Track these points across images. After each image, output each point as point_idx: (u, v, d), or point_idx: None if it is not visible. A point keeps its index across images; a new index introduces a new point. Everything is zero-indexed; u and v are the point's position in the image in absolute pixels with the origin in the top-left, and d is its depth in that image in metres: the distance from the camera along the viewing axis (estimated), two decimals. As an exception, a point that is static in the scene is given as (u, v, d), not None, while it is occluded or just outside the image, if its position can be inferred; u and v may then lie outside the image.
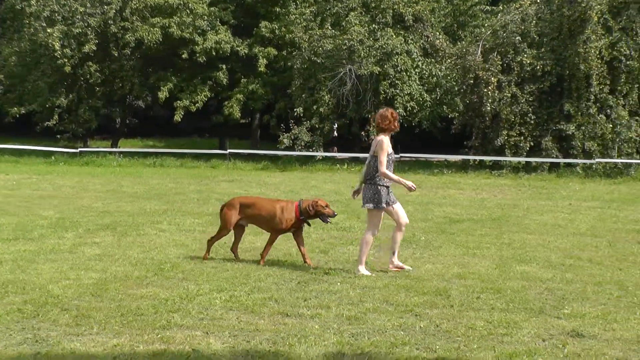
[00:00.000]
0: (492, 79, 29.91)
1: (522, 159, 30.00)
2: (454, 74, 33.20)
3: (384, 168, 10.24)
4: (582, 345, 7.14)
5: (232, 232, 11.44)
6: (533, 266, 11.07)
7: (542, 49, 30.46)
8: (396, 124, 10.62)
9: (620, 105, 29.79)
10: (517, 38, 30.43)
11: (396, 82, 33.66)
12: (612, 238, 14.11)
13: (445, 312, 8.30)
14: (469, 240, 13.50)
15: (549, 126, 30.00)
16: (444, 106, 34.85)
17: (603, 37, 29.56)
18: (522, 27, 30.84)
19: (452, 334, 7.48)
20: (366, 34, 33.86)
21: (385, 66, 33.58)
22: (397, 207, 10.61)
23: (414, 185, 10.45)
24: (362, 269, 10.42)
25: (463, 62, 31.38)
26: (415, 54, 34.50)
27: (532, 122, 29.99)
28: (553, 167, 29.98)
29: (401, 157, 32.72)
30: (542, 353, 6.88)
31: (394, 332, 7.51)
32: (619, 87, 29.88)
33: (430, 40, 34.86)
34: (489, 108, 29.87)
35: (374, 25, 34.45)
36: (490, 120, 30.57)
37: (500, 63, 30.35)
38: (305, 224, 11.26)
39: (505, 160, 29.98)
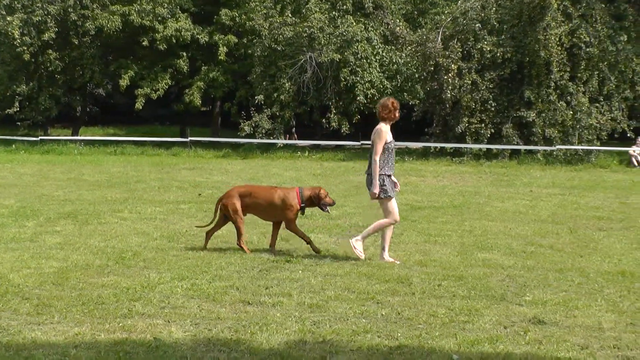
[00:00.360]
0: (453, 66, 29.94)
1: (483, 146, 30.09)
2: (415, 61, 33.19)
3: (377, 157, 10.30)
4: (544, 332, 7.13)
5: (216, 219, 11.32)
6: (494, 253, 11.08)
7: (502, 36, 30.54)
8: (397, 114, 10.68)
9: (580, 92, 29.94)
10: (477, 25, 30.49)
11: (357, 69, 33.63)
12: (573, 225, 14.17)
13: (407, 300, 8.27)
14: (430, 228, 13.50)
15: (510, 113, 30.09)
16: (405, 93, 34.84)
17: (563, 24, 29.67)
18: (482, 14, 30.90)
19: (414, 322, 7.45)
20: (326, 22, 33.81)
21: (345, 53, 33.54)
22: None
23: (375, 195, 10.34)
24: (386, 256, 10.43)
25: (423, 50, 31.38)
26: (375, 41, 34.49)
27: (493, 109, 30.06)
28: (514, 154, 30.11)
29: (362, 144, 32.69)
30: (503, 340, 6.86)
31: (356, 320, 7.46)
32: (579, 74, 30.03)
33: (391, 27, 34.84)
34: (449, 95, 29.92)
35: (334, 13, 34.40)
36: (450, 108, 30.63)
37: (461, 50, 30.38)
38: (300, 212, 11.20)
39: (466, 148, 30.04)
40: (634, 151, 29.39)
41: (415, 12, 38.87)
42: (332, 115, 34.04)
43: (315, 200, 10.95)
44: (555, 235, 13.01)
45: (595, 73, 30.36)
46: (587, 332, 7.16)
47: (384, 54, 34.61)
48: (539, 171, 26.55)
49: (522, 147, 29.89)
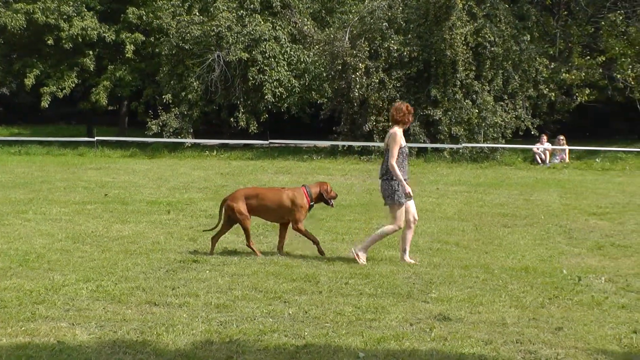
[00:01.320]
0: (360, 65, 30.06)
1: (388, 145, 30.18)
2: (322, 60, 33.22)
3: (393, 161, 10.32)
4: (449, 328, 7.22)
5: (221, 221, 11.14)
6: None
7: (409, 35, 30.80)
8: (410, 118, 10.80)
9: (485, 90, 30.38)
10: (384, 24, 30.66)
11: (264, 68, 33.54)
12: (478, 222, 14.39)
13: (314, 298, 8.28)
14: (338, 226, 13.55)
15: (417, 112, 30.24)
16: (313, 92, 34.84)
17: (468, 23, 30.06)
18: (389, 14, 31.08)
19: (321, 320, 7.47)
20: (234, 20, 33.63)
21: (253, 52, 33.42)
22: (410, 204, 10.56)
23: (412, 193, 10.41)
24: (407, 258, 10.43)
25: (331, 48, 31.42)
26: (283, 40, 34.46)
27: (400, 107, 30.19)
28: (421, 152, 30.37)
29: (270, 143, 32.67)
30: (409, 337, 6.93)
31: (263, 320, 7.45)
32: (484, 73, 30.46)
33: (299, 26, 34.82)
34: (357, 94, 30.02)
35: (242, 11, 34.22)
36: (358, 106, 30.75)
37: (368, 49, 30.51)
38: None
39: (374, 146, 30.20)
40: (537, 149, 29.95)
41: (323, 11, 38.88)
42: (240, 114, 33.87)
43: (325, 196, 11.02)
44: (461, 232, 13.19)
45: (500, 72, 30.83)
46: (491, 327, 7.28)
47: (292, 52, 34.59)
48: (445, 169, 26.87)
49: (429, 146, 30.18)
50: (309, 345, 6.71)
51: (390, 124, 10.90)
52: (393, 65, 30.59)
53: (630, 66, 31.65)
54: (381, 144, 29.19)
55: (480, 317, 7.61)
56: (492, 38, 30.11)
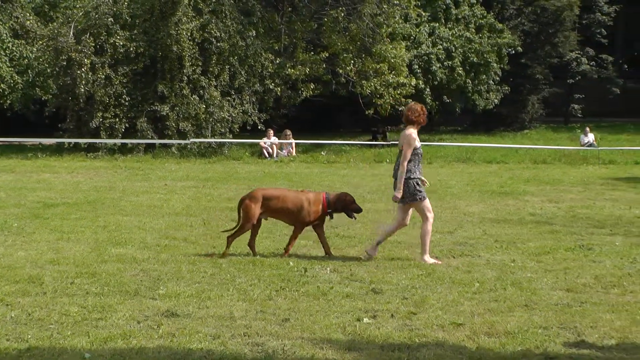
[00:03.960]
0: (86, 60, 29.34)
1: (118, 141, 29.75)
2: (47, 56, 32.16)
3: (405, 163, 10.39)
4: (177, 324, 7.18)
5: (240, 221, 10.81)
6: (129, 248, 11.00)
7: (135, 31, 30.43)
8: (424, 118, 10.75)
9: (212, 86, 30.56)
10: (109, 19, 30.10)
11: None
12: (206, 216, 14.43)
13: (38, 300, 8.00)
14: (63, 225, 13.14)
15: (144, 107, 30.06)
16: (37, 88, 33.73)
17: (194, 19, 30.11)
18: (115, 9, 30.57)
19: (45, 322, 7.23)
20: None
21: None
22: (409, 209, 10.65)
23: (398, 198, 10.52)
24: (428, 258, 10.41)
25: (55, 44, 30.43)
26: (4, 35, 33.05)
27: (127, 103, 29.86)
28: (149, 148, 30.08)
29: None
30: (137, 335, 6.84)
31: (-15, 326, 7.10)
32: (211, 68, 30.64)
33: (20, 21, 33.47)
34: (82, 90, 29.28)
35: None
36: (84, 102, 30.01)
37: (94, 45, 29.84)
38: (328, 217, 10.92)
39: (101, 142, 29.59)
40: (264, 143, 30.50)
41: (47, 6, 37.65)
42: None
43: (339, 206, 10.82)
44: (190, 227, 13.18)
45: (227, 67, 31.12)
46: (219, 321, 7.30)
47: (14, 48, 33.28)
48: (174, 164, 26.76)
49: (157, 141, 29.96)
50: (32, 348, 6.47)
51: (404, 124, 10.85)
52: (119, 61, 30.12)
53: (352, 61, 33.01)
54: (108, 141, 28.74)
55: (209, 312, 7.62)
56: (218, 33, 30.35)
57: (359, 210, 11.06)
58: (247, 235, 10.83)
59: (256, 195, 10.77)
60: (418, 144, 10.59)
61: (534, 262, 10.37)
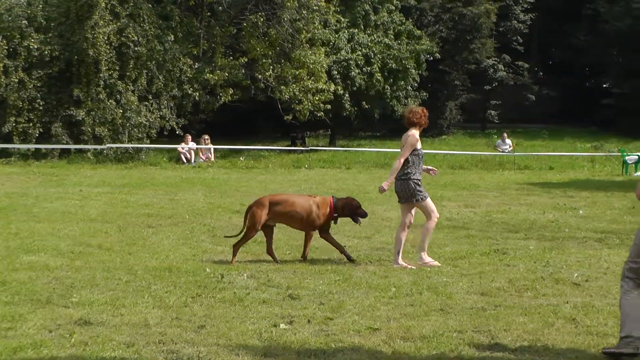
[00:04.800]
0: (-1, 64, 28.82)
1: (32, 146, 29.18)
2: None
3: (402, 159, 10.64)
4: (90, 332, 7.02)
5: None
6: (41, 255, 10.75)
7: (50, 34, 29.93)
8: (426, 120, 10.99)
9: (129, 90, 30.24)
10: (23, 22, 29.58)
11: None
12: (122, 223, 14.24)
13: (-55, 311, 7.74)
14: (-26, 232, 12.81)
15: (59, 112, 29.60)
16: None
17: (111, 22, 29.75)
18: (29, 11, 30.07)
19: (-48, 333, 6.99)
20: None
21: None
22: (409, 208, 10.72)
23: (384, 189, 10.82)
24: (425, 256, 10.70)
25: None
26: None
27: (42, 108, 29.37)
28: (64, 153, 29.60)
29: None
30: (48, 344, 6.66)
31: None
32: (128, 73, 30.31)
33: None
34: (-5, 94, 28.75)
35: None
36: (-2, 106, 29.45)
37: (7, 47, 29.27)
38: (333, 221, 10.98)
39: (14, 148, 29.00)
40: (182, 148, 30.26)
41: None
42: None
43: (346, 210, 10.92)
44: (105, 234, 12.98)
45: (144, 72, 30.83)
46: (134, 329, 7.16)
47: None
48: (89, 170, 26.36)
49: (72, 147, 29.48)
50: (-63, 360, 6.27)
51: (406, 127, 11.02)
52: (33, 65, 29.60)
53: (271, 67, 32.98)
54: (21, 146, 28.22)
55: (123, 320, 7.47)
56: (136, 38, 30.05)
57: (365, 215, 11.23)
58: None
59: (263, 202, 10.77)
60: (419, 145, 10.85)
61: (450, 267, 10.48)
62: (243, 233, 10.77)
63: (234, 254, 10.63)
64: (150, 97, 31.18)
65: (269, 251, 10.85)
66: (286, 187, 21.19)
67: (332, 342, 6.89)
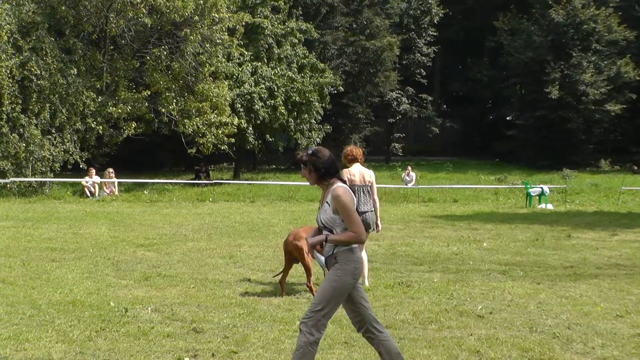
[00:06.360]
0: None
1: None
2: None
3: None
4: (-7, 367, 7.16)
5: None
6: (-56, 292, 10.75)
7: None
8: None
9: (33, 124, 29.95)
10: None
11: None
12: (26, 257, 14.21)
13: None
14: None
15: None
16: None
17: (14, 56, 29.52)
18: None
19: None
20: None
21: None
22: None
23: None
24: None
25: None
26: None
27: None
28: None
29: None
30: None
31: None
32: (31, 107, 30.02)
33: None
34: None
35: None
36: None
37: None
38: None
39: None
40: (86, 182, 30.14)
41: None
42: None
43: None
44: (8, 268, 12.95)
45: (47, 105, 30.55)
46: (33, 363, 7.31)
47: None
48: (-8, 204, 26.09)
49: (-26, 181, 29.15)
50: None
51: (348, 165, 12.28)
52: None
53: (175, 100, 33.09)
54: None
55: (27, 354, 7.61)
56: (39, 71, 29.82)
57: None
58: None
59: (301, 234, 10.82)
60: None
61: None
62: (305, 266, 10.99)
63: (312, 290, 10.81)
64: (53, 131, 30.92)
65: (282, 282, 11.20)
66: (190, 221, 21.35)
67: (235, 375, 7.10)
